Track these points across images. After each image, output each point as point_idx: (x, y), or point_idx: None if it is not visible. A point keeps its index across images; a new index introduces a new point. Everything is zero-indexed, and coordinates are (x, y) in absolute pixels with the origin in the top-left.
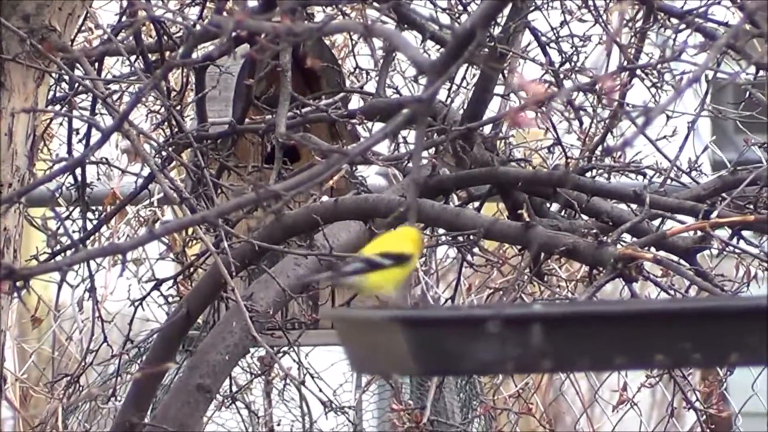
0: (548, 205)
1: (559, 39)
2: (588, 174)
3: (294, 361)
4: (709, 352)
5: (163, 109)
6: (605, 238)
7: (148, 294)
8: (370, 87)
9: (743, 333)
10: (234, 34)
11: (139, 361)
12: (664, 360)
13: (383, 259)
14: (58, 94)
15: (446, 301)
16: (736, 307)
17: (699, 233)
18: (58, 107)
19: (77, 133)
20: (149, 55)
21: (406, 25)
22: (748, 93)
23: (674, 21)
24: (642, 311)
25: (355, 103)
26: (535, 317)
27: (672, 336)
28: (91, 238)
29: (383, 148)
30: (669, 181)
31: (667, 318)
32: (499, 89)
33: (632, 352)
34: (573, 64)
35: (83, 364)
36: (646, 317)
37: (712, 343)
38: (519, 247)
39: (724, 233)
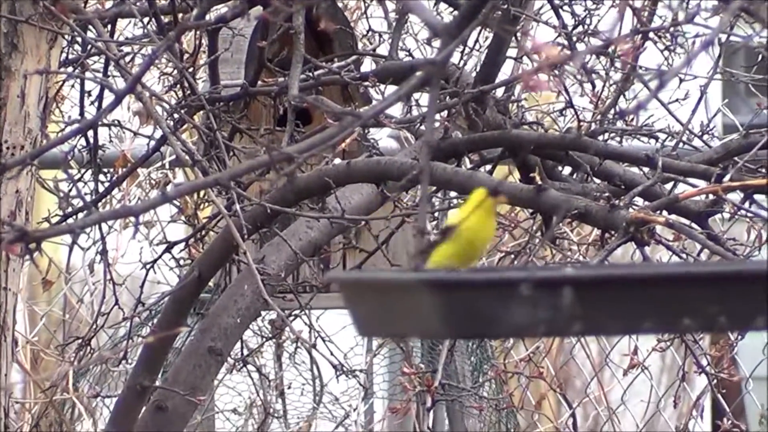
0: (560, 168)
1: (572, 1)
2: (600, 137)
3: (305, 324)
4: (735, 316)
5: (175, 72)
6: (617, 201)
7: (160, 257)
8: (383, 50)
9: None
10: None
11: (150, 324)
12: (691, 324)
13: (437, 236)
14: (70, 56)
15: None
16: (764, 271)
17: (711, 197)
18: (70, 69)
19: (89, 96)
20: (162, 17)
21: None
22: (760, 56)
23: None
24: (673, 274)
25: (368, 65)
26: (567, 280)
27: (700, 299)
28: (103, 200)
29: (396, 110)
30: (681, 144)
31: (697, 282)
32: (512, 52)
33: (661, 315)
34: (586, 26)
35: (94, 326)
36: (677, 281)
37: (739, 307)
38: (531, 210)
39: (736, 197)
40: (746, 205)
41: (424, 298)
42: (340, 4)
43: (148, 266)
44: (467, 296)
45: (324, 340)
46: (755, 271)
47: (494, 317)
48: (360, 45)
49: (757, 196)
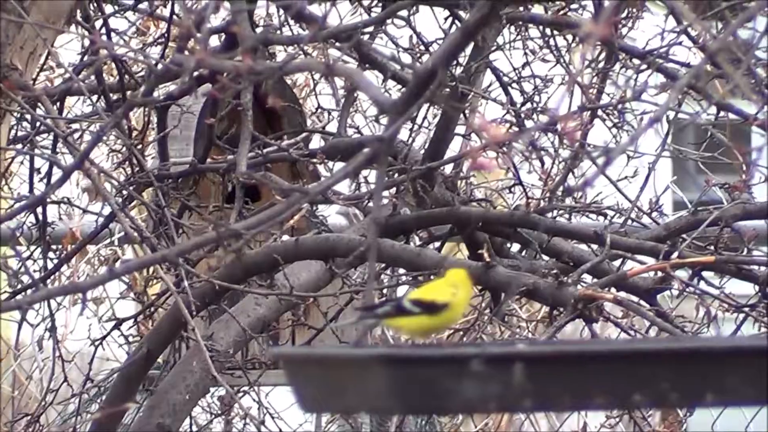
0: (509, 245)
1: (521, 79)
2: (549, 214)
3: (254, 400)
4: (686, 392)
5: (124, 148)
6: (565, 278)
7: (109, 333)
8: (332, 127)
9: (724, 374)
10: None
11: (99, 401)
12: (642, 399)
13: (413, 306)
14: (19, 133)
15: (406, 341)
16: (719, 348)
17: (659, 274)
18: (19, 146)
19: (38, 172)
20: (111, 94)
21: (367, 65)
22: (709, 133)
23: (636, 61)
24: (623, 351)
25: (317, 142)
26: (519, 356)
27: (652, 376)
28: (52, 277)
29: (344, 187)
30: (629, 221)
31: (648, 358)
32: (460, 129)
33: (612, 391)
34: (534, 104)
35: (43, 403)
36: (628, 357)
37: (691, 383)
38: (479, 287)
39: (684, 274)
40: (694, 282)
41: (375, 374)
42: (288, 81)
43: (97, 343)
44: (420, 371)
45: (273, 417)
46: (704, 349)
47: (446, 392)
48: (309, 122)
49: (705, 273)
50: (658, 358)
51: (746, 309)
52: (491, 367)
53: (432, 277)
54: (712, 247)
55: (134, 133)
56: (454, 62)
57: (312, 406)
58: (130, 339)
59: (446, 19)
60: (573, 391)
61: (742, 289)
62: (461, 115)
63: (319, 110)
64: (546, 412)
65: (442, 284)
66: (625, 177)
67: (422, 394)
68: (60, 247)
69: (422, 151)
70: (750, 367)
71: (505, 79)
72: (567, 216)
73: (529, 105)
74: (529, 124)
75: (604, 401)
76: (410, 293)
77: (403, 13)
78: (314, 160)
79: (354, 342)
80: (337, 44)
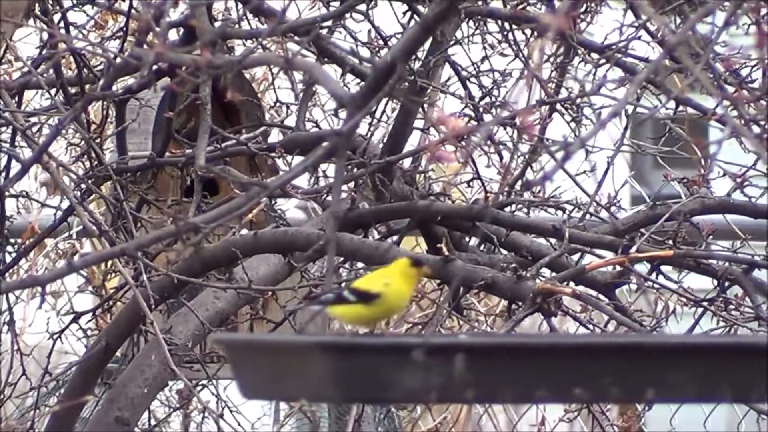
0: (467, 239)
1: (480, 73)
2: (507, 208)
3: (212, 394)
4: (627, 388)
5: (82, 142)
6: (524, 272)
7: (67, 327)
8: (290, 121)
9: (666, 369)
10: (154, 66)
11: (57, 394)
12: (583, 394)
13: (350, 294)
14: None
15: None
16: (660, 344)
17: (618, 268)
18: None
19: None
20: (69, 88)
21: (326, 59)
22: (667, 128)
23: (594, 56)
24: (564, 345)
25: (275, 136)
26: (460, 347)
27: (593, 370)
28: (10, 270)
29: (303, 181)
30: (588, 215)
31: (589, 352)
32: (419, 123)
33: (553, 385)
34: (493, 98)
35: (1, 396)
36: (568, 351)
37: (631, 378)
38: (438, 281)
39: (643, 268)
40: (653, 276)
41: (317, 361)
42: (247, 76)
43: (55, 336)
44: (362, 360)
45: (231, 411)
46: (647, 344)
47: (387, 382)
48: (267, 116)
49: (663, 268)
50: (599, 353)
51: (704, 303)
52: (432, 358)
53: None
54: (671, 242)
55: (93, 127)
56: (413, 56)
57: (253, 392)
58: (89, 332)
59: (405, 13)
60: (514, 383)
61: (700, 283)
62: (420, 109)
63: (278, 104)
64: (489, 404)
65: (380, 274)
66: (584, 171)
67: (364, 382)
68: (18, 240)
69: (381, 145)
70: (693, 363)
71: (464, 73)
72: (525, 210)
73: (487, 99)
74: (487, 118)
75: (546, 394)
76: (359, 281)
77: (362, 7)
78: (273, 154)
79: (297, 329)
80: (296, 38)
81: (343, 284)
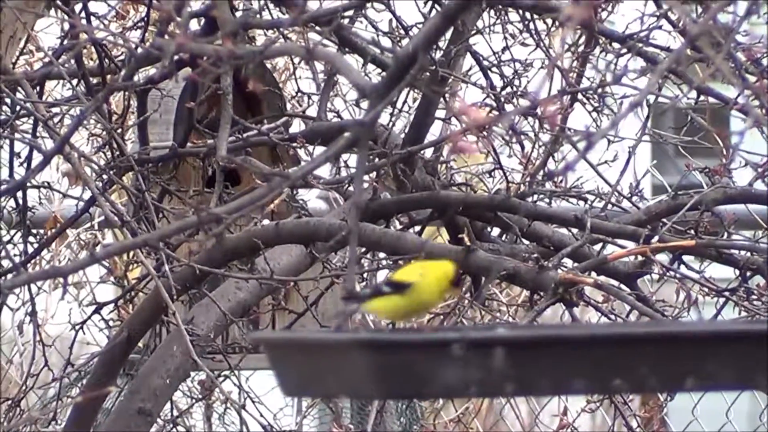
0: (489, 229)
1: (501, 63)
2: (529, 198)
3: (234, 385)
4: (665, 378)
5: (104, 133)
6: (546, 262)
7: (89, 318)
8: (312, 111)
9: (705, 358)
10: (176, 57)
11: (79, 385)
12: (622, 384)
13: (386, 286)
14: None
15: (387, 325)
16: (699, 333)
17: (640, 258)
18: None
19: (18, 157)
20: (91, 78)
21: (347, 49)
22: (689, 117)
23: (616, 45)
24: (604, 335)
25: (297, 126)
26: (500, 341)
27: (631, 360)
28: (32, 261)
29: (324, 171)
30: (610, 205)
31: (627, 343)
32: (440, 113)
33: (592, 376)
34: (514, 88)
35: (24, 387)
36: (608, 341)
37: (670, 368)
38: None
39: (664, 258)
40: (675, 266)
41: (356, 359)
42: (268, 66)
43: (77, 327)
44: (401, 356)
45: (254, 401)
46: (686, 333)
47: (426, 377)
48: (289, 106)
49: (685, 257)
50: (638, 343)
51: (726, 293)
52: (471, 352)
53: (412, 261)
54: (693, 232)
55: (114, 118)
56: (434, 46)
57: (293, 390)
58: (111, 323)
59: (426, 2)
60: (552, 375)
61: (722, 273)
62: (441, 99)
63: (299, 94)
64: (526, 397)
65: (415, 266)
66: (606, 161)
67: (402, 378)
68: (41, 231)
69: (402, 136)
70: (731, 351)
71: (485, 63)
72: (547, 200)
73: (509, 89)
74: (509, 108)
75: (584, 386)
76: (396, 273)
77: None
78: (294, 145)
79: (335, 326)
80: (317, 28)
81: (371, 278)
